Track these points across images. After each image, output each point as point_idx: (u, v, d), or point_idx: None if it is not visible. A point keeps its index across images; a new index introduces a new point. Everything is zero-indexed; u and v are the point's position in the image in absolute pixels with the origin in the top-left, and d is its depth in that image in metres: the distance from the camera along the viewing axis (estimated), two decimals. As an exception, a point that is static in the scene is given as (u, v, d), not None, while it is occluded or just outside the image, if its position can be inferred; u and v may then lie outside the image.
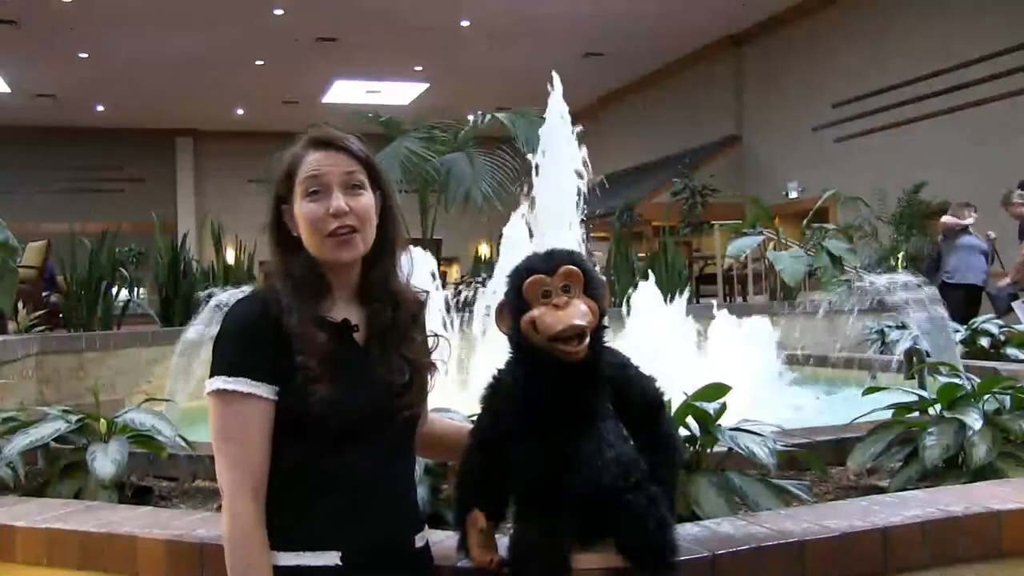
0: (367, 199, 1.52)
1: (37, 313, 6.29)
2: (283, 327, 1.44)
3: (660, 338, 4.44)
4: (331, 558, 1.42)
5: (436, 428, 1.77)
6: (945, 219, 8.84)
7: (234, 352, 1.45)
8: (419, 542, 1.56)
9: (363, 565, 1.44)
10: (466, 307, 5.03)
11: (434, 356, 1.65)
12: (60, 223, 9.60)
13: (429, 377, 1.61)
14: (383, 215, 1.58)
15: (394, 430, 1.52)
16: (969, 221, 8.71)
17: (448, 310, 4.83)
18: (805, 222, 8.50)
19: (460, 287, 6.38)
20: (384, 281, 1.57)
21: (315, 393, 1.42)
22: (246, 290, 1.88)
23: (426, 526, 1.61)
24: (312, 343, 1.44)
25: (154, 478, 3.00)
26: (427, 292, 1.68)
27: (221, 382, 1.43)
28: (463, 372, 4.26)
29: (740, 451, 2.22)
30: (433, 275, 5.06)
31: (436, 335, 1.67)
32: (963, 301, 8.11)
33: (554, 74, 5.32)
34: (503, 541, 1.56)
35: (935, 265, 9.10)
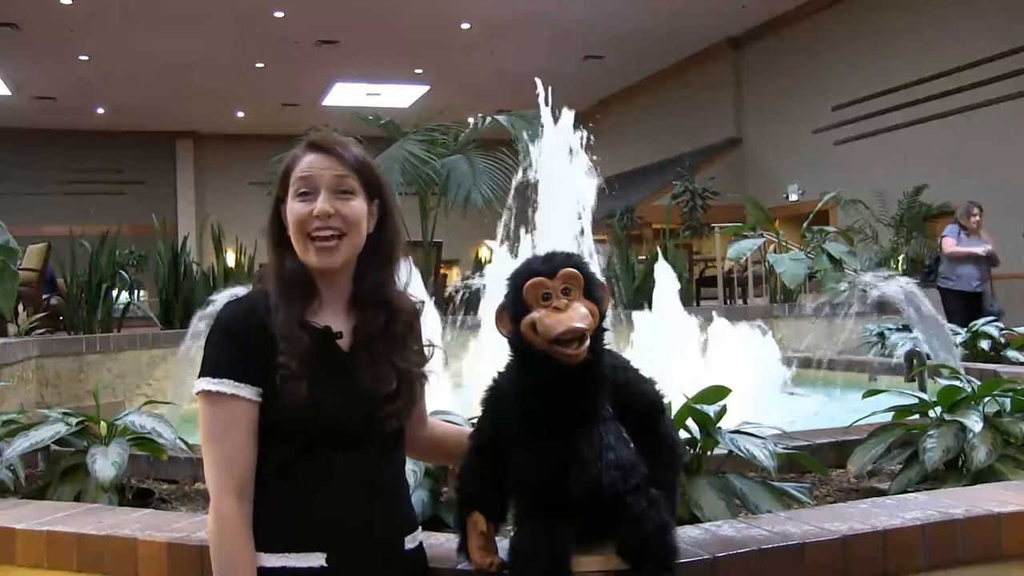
0: (357, 205, 1.52)
1: (37, 316, 6.28)
2: (270, 329, 1.46)
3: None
4: (316, 559, 1.43)
5: (436, 432, 1.77)
6: (950, 246, 8.76)
7: (221, 353, 1.48)
8: (410, 544, 1.56)
9: (349, 567, 1.45)
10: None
11: (428, 366, 1.64)
12: (60, 225, 9.58)
13: (420, 386, 1.61)
14: (380, 224, 1.58)
15: (380, 435, 1.52)
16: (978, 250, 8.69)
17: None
18: (805, 225, 8.55)
19: (457, 292, 6.36)
20: (377, 290, 1.57)
21: (293, 395, 1.43)
22: (239, 291, 1.89)
23: (419, 527, 1.61)
24: (294, 345, 1.45)
25: (154, 480, 3.00)
26: (423, 301, 1.68)
27: (206, 383, 1.46)
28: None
29: (740, 453, 2.22)
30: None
31: (431, 345, 1.66)
32: (961, 305, 8.18)
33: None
34: (503, 543, 1.56)
35: (933, 269, 9.17)
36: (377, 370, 1.52)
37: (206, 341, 1.50)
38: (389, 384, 1.52)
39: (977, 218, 8.67)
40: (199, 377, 1.47)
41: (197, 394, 1.48)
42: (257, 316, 1.48)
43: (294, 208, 1.51)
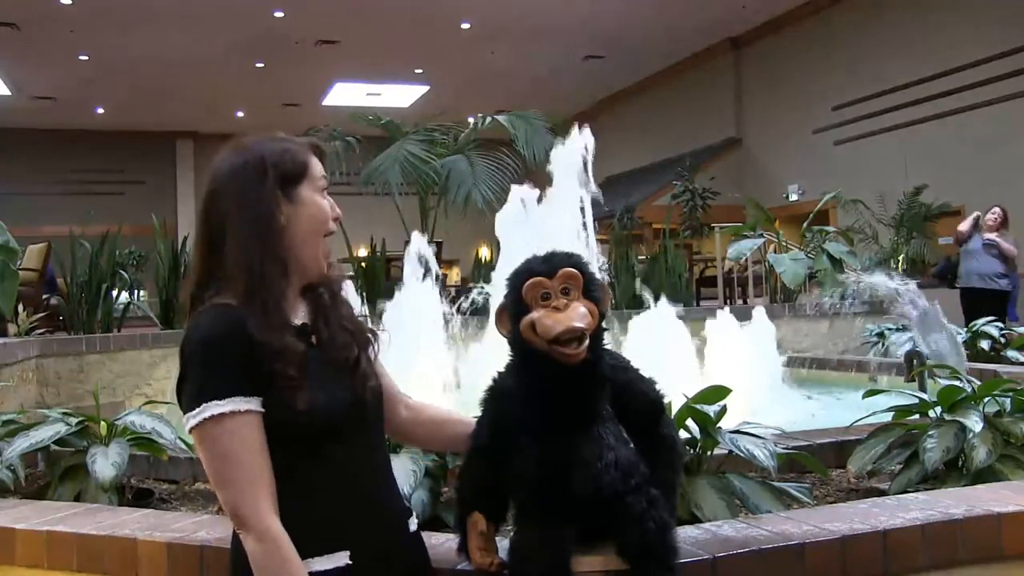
0: None
1: (37, 316, 6.28)
2: (253, 338, 1.40)
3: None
4: (341, 559, 1.42)
5: (423, 415, 1.72)
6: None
7: (217, 374, 1.40)
8: (412, 526, 1.58)
9: (371, 558, 1.45)
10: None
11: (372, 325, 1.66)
12: (60, 225, 9.59)
13: (374, 349, 1.60)
14: None
15: (368, 418, 1.52)
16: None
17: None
18: (805, 225, 8.55)
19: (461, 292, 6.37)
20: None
21: (297, 400, 1.40)
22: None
23: (413, 512, 1.63)
24: (290, 352, 1.42)
25: (154, 481, 3.00)
26: (343, 273, 1.69)
27: (216, 407, 1.37)
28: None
29: (740, 453, 2.22)
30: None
31: (364, 315, 1.67)
32: (972, 303, 8.22)
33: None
34: (504, 543, 1.56)
35: (954, 271, 9.23)
36: (339, 342, 1.52)
37: (188, 366, 1.42)
38: (352, 351, 1.53)
39: (984, 217, 8.71)
40: (198, 405, 1.39)
41: (202, 423, 1.38)
42: (236, 327, 1.41)
43: (322, 204, 1.54)
